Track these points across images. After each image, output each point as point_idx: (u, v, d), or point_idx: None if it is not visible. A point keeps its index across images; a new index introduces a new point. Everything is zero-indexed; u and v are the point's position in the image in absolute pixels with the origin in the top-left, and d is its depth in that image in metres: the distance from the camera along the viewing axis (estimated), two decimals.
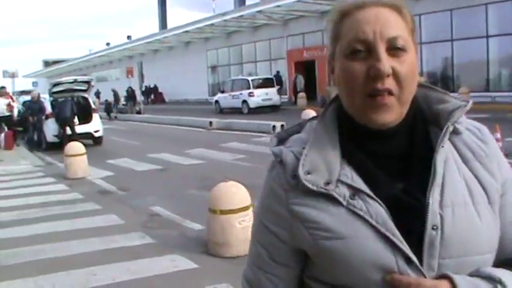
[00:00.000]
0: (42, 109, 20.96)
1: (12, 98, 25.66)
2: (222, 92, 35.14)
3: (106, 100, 41.15)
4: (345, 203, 1.24)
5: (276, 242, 1.35)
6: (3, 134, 21.34)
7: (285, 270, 1.37)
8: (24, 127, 22.16)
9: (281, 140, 1.40)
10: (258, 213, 1.42)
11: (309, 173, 1.27)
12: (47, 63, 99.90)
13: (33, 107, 21.30)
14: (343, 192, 1.25)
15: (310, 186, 1.26)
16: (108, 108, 38.17)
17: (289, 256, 1.35)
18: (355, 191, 1.25)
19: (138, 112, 37.85)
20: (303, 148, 1.32)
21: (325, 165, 1.28)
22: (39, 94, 22.65)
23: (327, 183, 1.26)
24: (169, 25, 59.66)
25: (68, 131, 19.78)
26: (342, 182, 1.26)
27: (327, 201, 1.25)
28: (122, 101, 42.35)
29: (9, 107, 22.13)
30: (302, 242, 1.29)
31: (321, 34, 34.99)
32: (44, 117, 20.67)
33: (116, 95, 42.34)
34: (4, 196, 11.63)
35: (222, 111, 33.31)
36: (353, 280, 1.24)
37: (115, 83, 55.89)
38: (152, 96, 54.87)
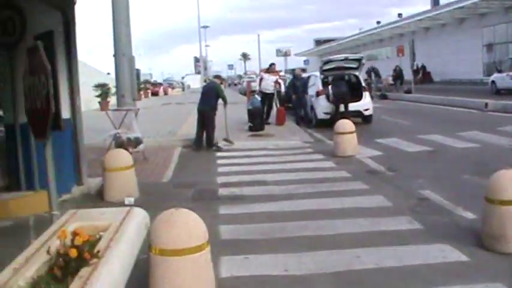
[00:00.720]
0: (304, 85, 21.44)
1: (279, 75, 26.84)
2: (499, 71, 32.82)
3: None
4: None
5: None
6: (275, 110, 22.31)
7: None
8: (293, 103, 22.88)
9: None
10: None
11: None
12: (318, 42, 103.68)
13: (296, 84, 21.88)
14: None
15: None
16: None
17: None
18: None
19: (408, 91, 37.10)
20: None
21: None
22: (302, 71, 23.26)
23: None
24: (442, 2, 57.75)
25: (341, 108, 19.97)
26: None
27: None
28: (390, 80, 41.89)
29: (276, 83, 23.07)
30: None
31: None
32: (314, 94, 21.10)
33: (376, 73, 41.99)
34: (274, 170, 12.01)
35: (498, 92, 31.06)
36: None
37: (385, 62, 55.73)
38: (420, 76, 53.42)
